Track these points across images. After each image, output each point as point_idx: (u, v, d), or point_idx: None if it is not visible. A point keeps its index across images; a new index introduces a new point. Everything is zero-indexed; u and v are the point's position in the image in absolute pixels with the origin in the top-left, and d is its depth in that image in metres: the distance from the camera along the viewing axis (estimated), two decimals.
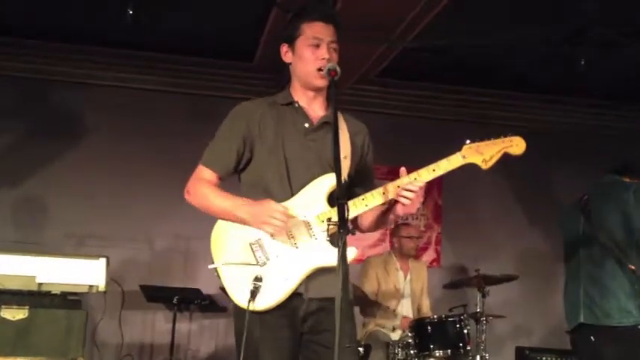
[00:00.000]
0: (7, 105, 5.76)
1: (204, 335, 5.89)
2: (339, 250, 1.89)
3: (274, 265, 2.29)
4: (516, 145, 2.38)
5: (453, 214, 6.49)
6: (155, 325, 5.72)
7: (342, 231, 1.91)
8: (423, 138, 6.41)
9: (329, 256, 2.22)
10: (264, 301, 2.25)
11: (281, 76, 5.95)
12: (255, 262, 2.29)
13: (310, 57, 2.39)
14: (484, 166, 2.37)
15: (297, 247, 2.30)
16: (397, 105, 6.46)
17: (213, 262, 2.36)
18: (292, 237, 2.30)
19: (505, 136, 2.40)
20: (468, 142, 2.38)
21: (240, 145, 2.43)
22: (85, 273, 3.76)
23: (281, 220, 2.24)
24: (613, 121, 6.74)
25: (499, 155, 2.37)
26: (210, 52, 5.94)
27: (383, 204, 2.37)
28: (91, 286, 3.77)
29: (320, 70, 2.36)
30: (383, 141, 6.22)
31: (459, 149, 2.38)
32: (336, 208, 2.07)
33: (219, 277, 2.34)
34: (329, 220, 2.22)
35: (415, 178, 2.34)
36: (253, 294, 2.21)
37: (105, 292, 3.82)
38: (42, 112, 5.83)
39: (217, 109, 6.31)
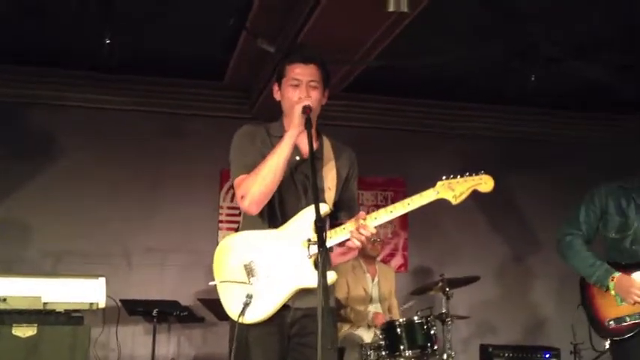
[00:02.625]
0: None
1: (183, 345, 6.07)
2: (319, 266, 2.15)
3: (264, 284, 2.56)
4: (485, 183, 2.56)
5: (419, 221, 6.71)
6: (135, 337, 5.87)
7: (321, 249, 2.18)
8: (386, 149, 6.69)
9: (312, 279, 2.44)
10: (254, 316, 2.53)
11: (249, 95, 6.19)
12: (248, 282, 2.56)
13: (291, 96, 2.66)
14: (454, 202, 2.56)
15: (285, 270, 2.56)
16: (361, 118, 6.70)
17: (213, 279, 2.64)
18: (281, 260, 2.57)
19: (476, 174, 2.58)
20: (443, 178, 2.57)
21: (258, 155, 2.62)
22: (86, 291, 4.02)
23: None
24: (564, 129, 7.06)
25: (469, 192, 2.55)
26: (182, 72, 6.10)
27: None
28: (91, 304, 4.04)
29: (297, 105, 2.59)
30: None
31: (433, 185, 2.57)
32: (325, 232, 2.34)
33: (218, 292, 2.62)
34: (309, 240, 2.47)
35: (391, 211, 2.55)
36: (244, 309, 2.50)
37: (104, 309, 4.06)
38: (16, 134, 5.93)
39: (189, 127, 6.59)
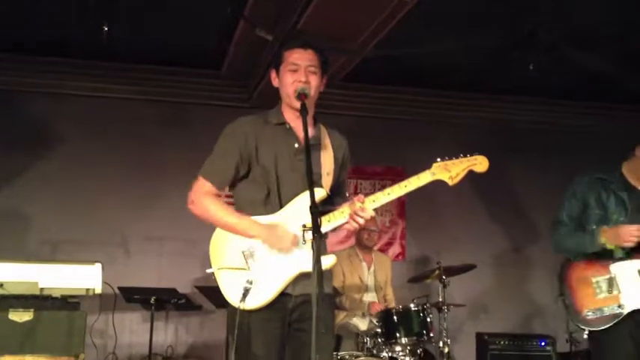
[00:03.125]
0: None
1: (181, 333, 6.09)
2: (313, 253, 2.17)
3: (264, 270, 2.58)
4: (480, 163, 2.62)
5: (417, 210, 6.77)
6: (133, 324, 5.90)
7: (316, 235, 2.19)
8: (385, 138, 6.70)
9: (311, 263, 2.47)
10: (254, 301, 2.55)
11: (247, 84, 6.19)
12: (247, 268, 2.58)
13: (289, 81, 2.66)
14: (450, 183, 2.60)
15: (284, 255, 2.58)
16: (360, 107, 6.71)
17: (210, 266, 2.64)
18: (279, 239, 2.58)
19: (471, 155, 2.63)
20: (438, 160, 2.60)
21: (238, 161, 2.68)
22: (83, 277, 4.06)
23: (292, 243, 2.55)
24: (564, 119, 7.06)
25: (464, 173, 2.59)
26: (180, 61, 6.10)
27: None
28: (87, 289, 4.07)
29: (295, 91, 2.62)
30: (349, 141, 6.52)
31: (429, 167, 2.59)
32: (320, 218, 2.34)
33: (216, 280, 2.63)
34: (304, 225, 2.49)
35: (388, 193, 2.58)
36: (244, 295, 2.51)
37: (100, 295, 4.09)
38: (15, 123, 5.94)
39: (186, 116, 6.59)
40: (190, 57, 6.01)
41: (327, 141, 2.76)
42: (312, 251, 2.49)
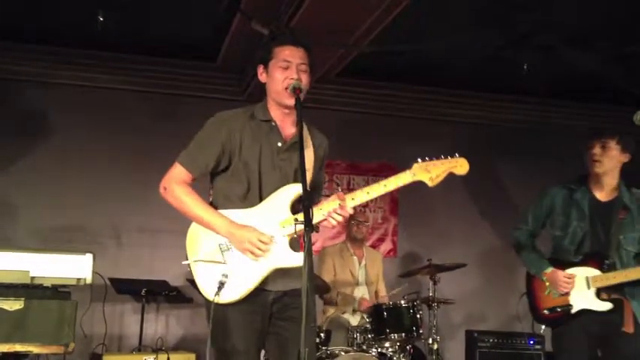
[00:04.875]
0: None
1: (171, 325, 6.10)
2: (305, 246, 2.16)
3: (239, 264, 2.56)
4: (460, 166, 2.62)
5: (409, 207, 6.79)
6: (124, 316, 5.90)
7: (307, 229, 2.18)
8: (378, 134, 6.71)
9: (288, 259, 2.54)
10: (229, 296, 2.53)
11: (242, 77, 6.18)
12: (223, 261, 2.56)
13: (280, 77, 2.64)
14: (430, 184, 2.60)
15: (252, 255, 2.54)
16: (354, 102, 6.70)
17: (187, 258, 2.62)
18: (249, 245, 2.54)
19: (452, 157, 2.62)
20: (419, 160, 2.60)
21: (219, 153, 2.65)
22: (74, 267, 4.06)
23: (264, 249, 2.51)
24: (557, 118, 7.08)
25: (445, 174, 2.60)
26: (175, 52, 6.08)
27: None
28: (78, 279, 4.08)
29: (287, 88, 2.60)
30: (341, 137, 6.57)
31: (409, 167, 2.59)
32: (297, 215, 2.38)
33: (191, 272, 2.60)
34: (296, 220, 2.48)
35: (368, 192, 2.58)
36: (219, 288, 2.49)
37: (91, 285, 4.09)
38: (6, 112, 5.90)
39: (181, 108, 6.58)
40: (185, 48, 5.99)
41: (308, 138, 2.74)
42: (288, 246, 2.55)
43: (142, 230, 6.10)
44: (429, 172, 2.59)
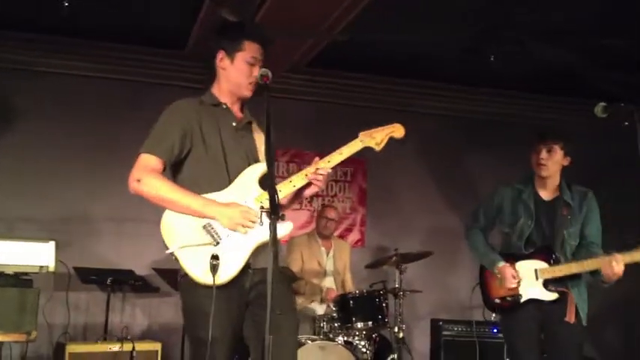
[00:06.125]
0: None
1: (137, 314, 6.06)
2: (270, 234, 2.18)
3: (227, 243, 2.58)
4: (397, 130, 2.89)
5: (377, 198, 6.83)
6: (89, 305, 5.84)
7: (273, 217, 2.20)
8: (348, 124, 6.69)
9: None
10: (225, 275, 2.54)
11: (211, 65, 6.13)
12: (210, 242, 2.57)
13: (246, 72, 2.76)
14: (377, 148, 2.85)
15: (243, 228, 2.58)
16: (323, 93, 6.69)
17: (167, 248, 2.59)
18: (243, 219, 2.59)
19: (389, 124, 2.89)
20: (364, 131, 2.89)
21: (182, 136, 2.68)
22: (36, 255, 4.00)
23: (255, 221, 2.58)
24: (528, 112, 7.16)
25: (387, 138, 2.87)
26: (143, 39, 6.00)
27: (305, 185, 2.76)
28: (41, 267, 4.01)
29: (250, 84, 2.76)
30: (311, 127, 6.56)
31: (356, 137, 2.86)
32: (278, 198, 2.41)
33: (177, 260, 2.58)
34: (262, 207, 2.55)
35: (329, 161, 2.75)
36: (214, 269, 2.49)
37: (54, 273, 4.03)
38: None
39: (148, 96, 6.51)
40: (153, 36, 5.91)
41: (256, 126, 2.90)
42: (267, 221, 2.54)
43: (108, 219, 6.03)
44: (374, 138, 2.84)
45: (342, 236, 6.53)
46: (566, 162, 3.74)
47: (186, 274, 2.58)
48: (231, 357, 2.65)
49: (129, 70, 6.18)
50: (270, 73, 2.63)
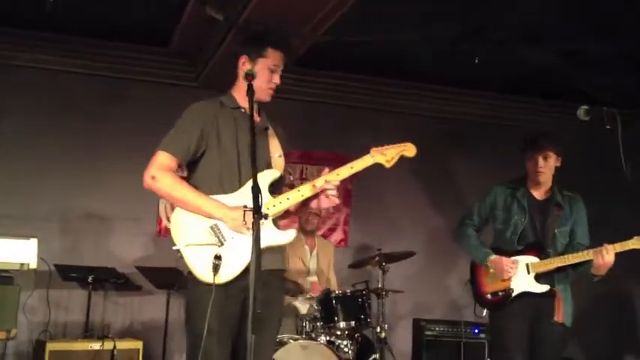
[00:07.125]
0: None
1: (119, 313, 6.02)
2: (253, 233, 2.22)
3: (231, 245, 2.67)
4: (409, 149, 3.00)
5: (361, 198, 6.83)
6: (70, 303, 5.79)
7: (256, 216, 2.24)
8: (335, 124, 6.73)
9: (273, 237, 2.72)
10: (226, 275, 2.63)
11: (196, 63, 6.10)
12: (215, 243, 2.66)
13: (267, 78, 2.86)
14: (387, 165, 2.96)
15: (248, 230, 2.62)
16: (308, 92, 6.68)
17: (174, 244, 2.69)
18: (245, 221, 2.65)
19: (402, 143, 2.99)
20: (374, 147, 2.98)
21: (199, 137, 2.76)
22: (17, 252, 3.95)
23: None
24: (514, 113, 7.21)
25: (397, 157, 2.98)
26: (126, 35, 5.96)
27: (313, 196, 2.85)
28: (22, 264, 3.97)
29: (270, 89, 2.88)
30: (297, 126, 6.55)
31: (368, 152, 2.97)
32: (276, 197, 2.60)
33: (182, 257, 2.68)
34: (245, 206, 2.58)
35: (338, 174, 2.83)
36: (216, 269, 2.58)
37: (35, 270, 3.99)
38: None
39: (132, 93, 6.46)
40: (137, 32, 5.87)
41: (272, 129, 2.97)
42: (273, 225, 2.72)
43: (91, 216, 5.99)
44: (384, 155, 2.93)
45: (325, 236, 6.53)
46: (558, 163, 3.94)
47: (190, 272, 2.68)
48: (226, 352, 2.71)
49: (112, 66, 6.12)
50: (255, 73, 2.71)
